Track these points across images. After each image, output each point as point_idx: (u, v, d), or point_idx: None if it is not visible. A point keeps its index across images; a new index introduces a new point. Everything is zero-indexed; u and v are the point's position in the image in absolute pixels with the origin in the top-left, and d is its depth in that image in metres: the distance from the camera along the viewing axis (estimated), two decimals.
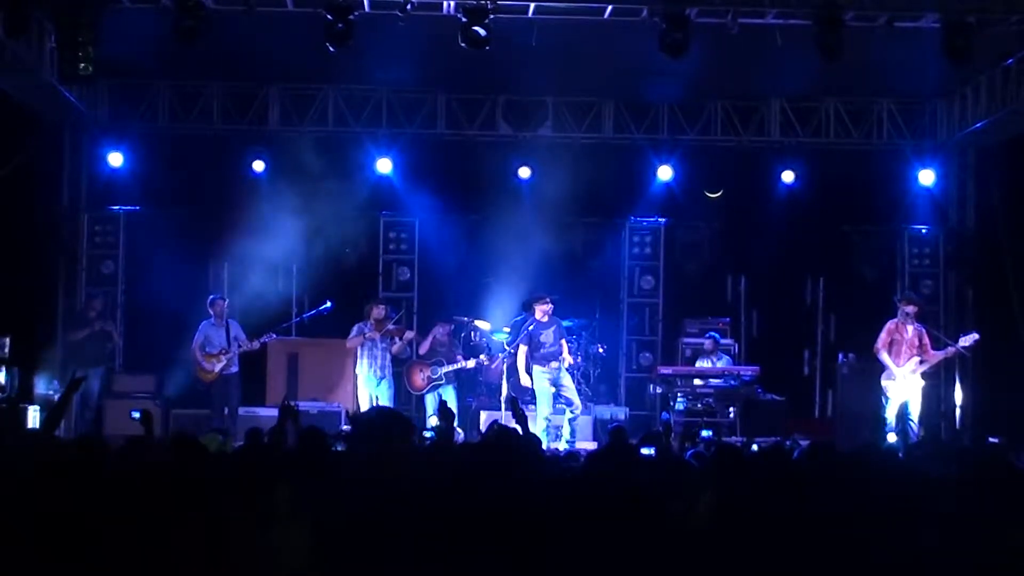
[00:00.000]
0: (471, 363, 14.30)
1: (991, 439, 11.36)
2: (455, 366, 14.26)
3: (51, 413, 6.07)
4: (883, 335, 13.17)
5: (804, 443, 8.58)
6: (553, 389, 13.27)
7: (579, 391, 14.55)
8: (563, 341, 13.50)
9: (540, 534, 3.66)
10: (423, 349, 14.56)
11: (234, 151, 15.49)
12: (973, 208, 16.05)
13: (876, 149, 15.79)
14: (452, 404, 14.16)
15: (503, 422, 10.36)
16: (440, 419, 8.18)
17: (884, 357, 13.14)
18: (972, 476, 5.24)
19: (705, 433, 10.62)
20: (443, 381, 14.26)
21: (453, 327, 14.69)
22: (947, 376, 15.07)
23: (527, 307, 13.65)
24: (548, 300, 13.41)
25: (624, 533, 3.60)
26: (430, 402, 14.21)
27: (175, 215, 15.53)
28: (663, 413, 13.65)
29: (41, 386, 13.83)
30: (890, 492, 4.55)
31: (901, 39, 12.01)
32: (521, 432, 7.27)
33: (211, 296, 14.28)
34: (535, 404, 13.42)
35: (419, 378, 14.40)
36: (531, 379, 13.38)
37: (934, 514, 4.36)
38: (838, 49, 11.21)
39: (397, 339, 14.12)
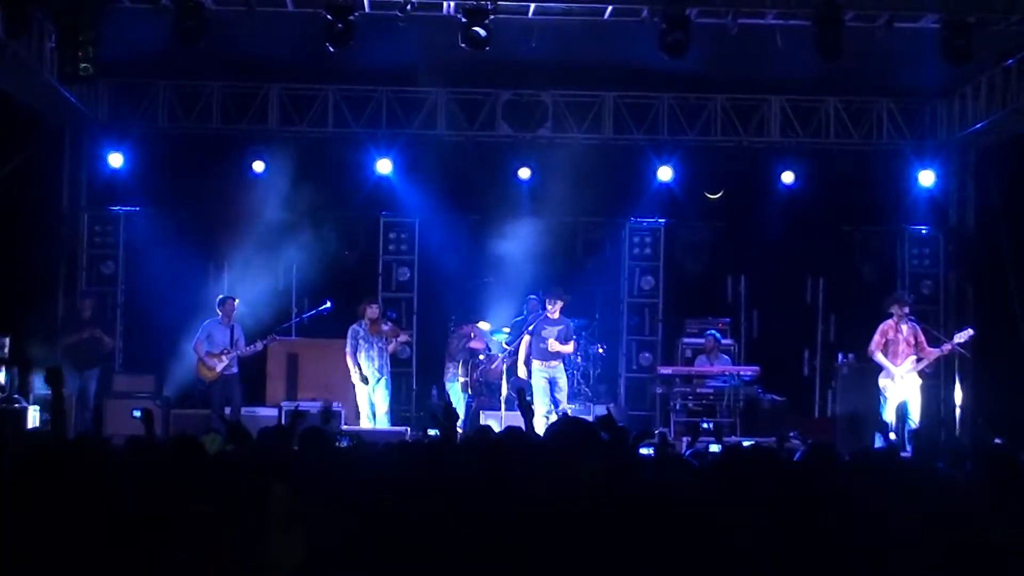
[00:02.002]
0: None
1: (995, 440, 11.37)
2: (491, 365, 14.38)
3: (53, 417, 6.06)
4: (876, 337, 13.18)
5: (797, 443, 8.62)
6: (548, 387, 13.29)
7: (579, 391, 14.57)
8: (571, 343, 13.52)
9: (539, 534, 3.65)
10: (479, 345, 14.62)
11: (234, 151, 15.50)
12: (973, 208, 16.05)
13: (876, 149, 15.78)
14: (460, 404, 14.28)
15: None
16: (444, 419, 8.19)
17: (880, 358, 13.15)
18: (981, 477, 5.24)
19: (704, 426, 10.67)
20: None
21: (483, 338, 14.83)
22: (947, 376, 15.09)
23: (542, 301, 13.74)
24: (556, 299, 13.42)
25: (625, 533, 3.60)
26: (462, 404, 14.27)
27: (175, 215, 15.53)
28: (659, 430, 13.62)
29: (41, 386, 13.80)
30: (892, 493, 4.55)
31: (901, 39, 12.01)
32: (525, 426, 7.27)
33: (222, 296, 14.25)
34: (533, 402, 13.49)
35: (475, 376, 14.54)
36: (528, 372, 13.43)
37: (938, 514, 4.36)
38: (838, 49, 11.22)
39: (393, 340, 14.13)
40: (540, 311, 13.71)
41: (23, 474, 4.23)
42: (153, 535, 3.86)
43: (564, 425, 4.38)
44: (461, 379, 14.52)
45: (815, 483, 4.44)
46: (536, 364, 13.36)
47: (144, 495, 4.32)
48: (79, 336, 14.17)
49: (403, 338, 14.39)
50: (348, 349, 13.89)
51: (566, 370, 13.72)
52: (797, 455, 6.07)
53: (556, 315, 13.39)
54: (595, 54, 13.28)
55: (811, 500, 4.18)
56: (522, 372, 13.50)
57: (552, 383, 13.32)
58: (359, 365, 13.78)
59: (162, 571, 3.72)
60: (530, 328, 13.51)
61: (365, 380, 13.78)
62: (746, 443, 9.36)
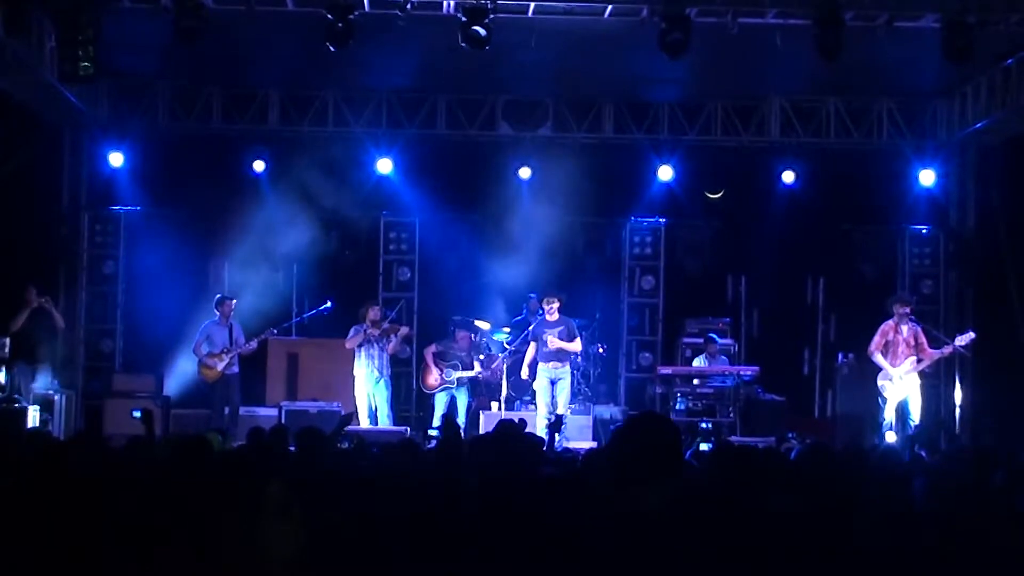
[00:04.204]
0: (476, 370, 14.36)
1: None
2: (469, 372, 14.31)
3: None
4: (877, 337, 13.18)
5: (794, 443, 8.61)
6: (549, 388, 13.28)
7: (579, 391, 14.54)
8: (577, 340, 13.51)
9: (536, 533, 3.65)
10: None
11: (234, 151, 15.49)
12: (973, 208, 16.04)
13: (876, 149, 15.77)
14: (464, 407, 14.25)
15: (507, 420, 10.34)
16: (445, 431, 8.23)
17: (879, 359, 13.14)
18: (982, 477, 5.24)
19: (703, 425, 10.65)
20: (454, 384, 14.31)
21: (475, 334, 14.72)
22: (947, 376, 15.08)
23: (536, 305, 13.74)
24: (552, 299, 13.41)
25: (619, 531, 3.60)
26: (440, 402, 14.27)
27: (175, 215, 15.53)
28: None
29: (40, 386, 13.79)
30: (888, 491, 4.55)
31: (901, 39, 12.01)
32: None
33: (219, 295, 14.28)
34: (535, 404, 13.49)
35: (432, 377, 14.48)
36: (532, 375, 13.45)
37: (935, 515, 4.36)
38: (838, 49, 11.21)
39: (393, 336, 14.16)
40: (539, 314, 13.69)
41: (22, 474, 4.24)
42: (152, 534, 3.86)
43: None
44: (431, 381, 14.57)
45: (810, 481, 4.44)
46: (540, 365, 13.37)
47: (144, 494, 4.33)
48: (21, 315, 13.40)
49: (404, 331, 14.41)
50: (351, 335, 14.03)
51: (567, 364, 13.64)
52: (793, 454, 6.08)
53: (555, 316, 13.39)
54: (595, 53, 13.24)
55: (806, 497, 4.18)
56: (525, 374, 13.53)
57: (553, 384, 13.31)
58: (359, 354, 13.97)
59: (160, 570, 3.73)
60: (530, 329, 13.53)
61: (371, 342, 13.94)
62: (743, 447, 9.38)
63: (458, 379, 14.34)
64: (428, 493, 4.43)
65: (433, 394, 14.48)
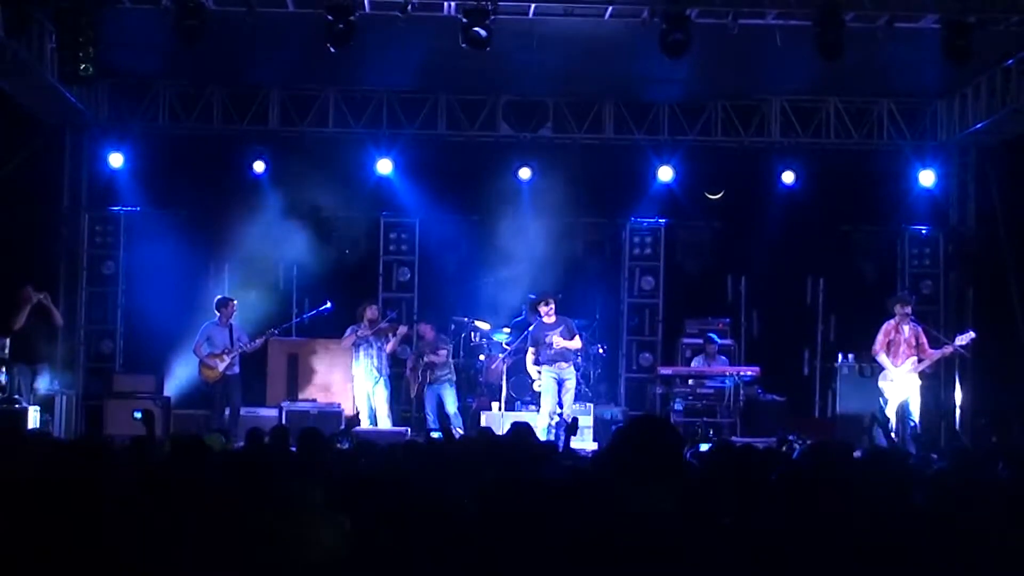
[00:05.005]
0: (440, 356, 14.35)
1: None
2: (424, 360, 14.32)
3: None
4: (880, 337, 13.19)
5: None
6: (556, 388, 13.29)
7: (580, 391, 14.56)
8: (576, 337, 13.51)
9: (543, 534, 3.66)
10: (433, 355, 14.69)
11: (234, 151, 15.49)
12: (973, 208, 16.05)
13: (876, 149, 15.79)
14: (451, 402, 14.26)
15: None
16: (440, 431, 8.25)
17: (882, 359, 13.16)
18: (982, 476, 5.24)
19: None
20: (421, 378, 14.35)
21: (433, 325, 14.73)
22: (947, 376, 15.09)
23: (532, 309, 13.74)
24: (548, 301, 13.41)
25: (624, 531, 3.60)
26: (428, 402, 14.32)
27: (175, 215, 15.54)
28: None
29: (41, 386, 13.78)
30: (888, 491, 4.56)
31: (901, 39, 12.02)
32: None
33: (220, 296, 14.28)
34: (537, 405, 13.48)
35: (412, 380, 14.60)
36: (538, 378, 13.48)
37: (935, 515, 4.37)
38: (838, 49, 11.22)
39: (391, 336, 14.18)
40: (536, 318, 13.67)
41: (22, 475, 4.24)
42: (154, 533, 3.87)
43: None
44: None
45: (811, 479, 4.45)
46: (545, 368, 13.37)
47: (149, 493, 4.33)
48: (22, 313, 13.15)
49: (403, 331, 14.43)
50: (347, 335, 14.10)
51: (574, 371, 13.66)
52: (795, 454, 6.09)
53: (552, 318, 13.39)
54: (596, 54, 13.25)
55: (806, 496, 4.19)
56: (533, 372, 13.55)
57: (560, 384, 13.33)
58: (358, 354, 14.02)
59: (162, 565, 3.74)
60: (530, 331, 13.52)
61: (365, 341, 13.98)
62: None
63: (421, 371, 14.36)
64: (431, 493, 4.44)
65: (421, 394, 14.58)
